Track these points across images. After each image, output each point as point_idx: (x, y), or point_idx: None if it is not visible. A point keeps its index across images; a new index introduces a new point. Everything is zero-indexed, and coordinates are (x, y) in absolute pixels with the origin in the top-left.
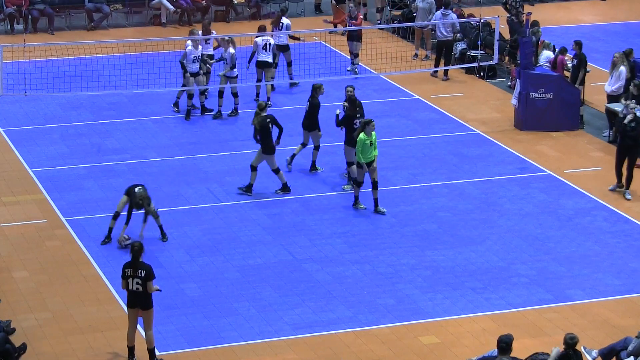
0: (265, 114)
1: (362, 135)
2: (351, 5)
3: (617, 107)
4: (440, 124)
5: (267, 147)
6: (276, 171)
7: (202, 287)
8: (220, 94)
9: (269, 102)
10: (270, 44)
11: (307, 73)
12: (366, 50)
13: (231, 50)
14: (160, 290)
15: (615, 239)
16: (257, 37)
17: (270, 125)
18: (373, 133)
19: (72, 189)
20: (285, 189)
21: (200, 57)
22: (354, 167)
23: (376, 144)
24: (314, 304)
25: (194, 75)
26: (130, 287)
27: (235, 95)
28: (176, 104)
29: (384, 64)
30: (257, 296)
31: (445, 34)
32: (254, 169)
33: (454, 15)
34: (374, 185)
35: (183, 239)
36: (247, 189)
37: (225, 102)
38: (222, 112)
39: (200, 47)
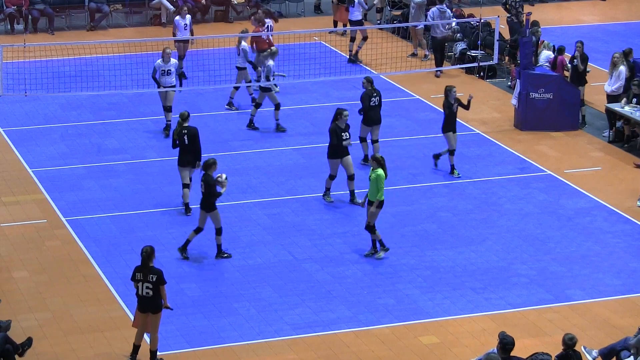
0: (185, 125)
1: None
2: (259, 12)
3: (617, 107)
4: (440, 124)
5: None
6: (185, 185)
7: (202, 287)
8: (257, 104)
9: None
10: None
11: (307, 73)
12: (366, 50)
13: (270, 62)
14: (171, 309)
15: (615, 239)
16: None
17: (185, 138)
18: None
19: (72, 189)
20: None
21: (172, 71)
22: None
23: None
24: (314, 304)
25: (168, 89)
26: (140, 292)
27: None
28: (230, 104)
29: (384, 64)
30: (257, 296)
31: (443, 30)
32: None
33: (449, 12)
34: (350, 178)
35: (183, 239)
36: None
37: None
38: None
39: (172, 60)
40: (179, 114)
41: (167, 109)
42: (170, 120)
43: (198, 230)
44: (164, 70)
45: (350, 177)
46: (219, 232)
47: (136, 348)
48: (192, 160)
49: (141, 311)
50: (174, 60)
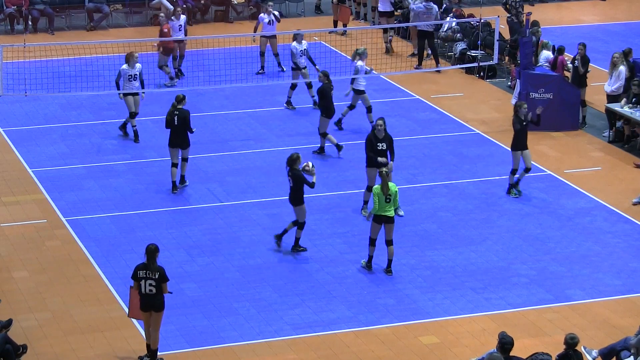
0: (180, 107)
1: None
2: (161, 15)
3: (617, 107)
4: (440, 124)
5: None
6: (173, 165)
7: (202, 287)
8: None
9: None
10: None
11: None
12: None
13: (359, 63)
14: (170, 292)
15: (615, 239)
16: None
17: (175, 119)
18: (392, 185)
19: (72, 189)
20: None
21: (137, 76)
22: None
23: (396, 198)
24: (314, 304)
25: (134, 94)
26: (142, 290)
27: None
28: (289, 102)
29: (384, 64)
30: (257, 296)
31: (426, 25)
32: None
33: (436, 8)
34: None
35: (183, 239)
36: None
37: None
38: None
39: (137, 65)
40: (175, 96)
41: (133, 116)
42: (136, 126)
43: (300, 226)
44: (130, 76)
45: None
46: (301, 226)
47: (149, 346)
48: (181, 142)
49: (144, 310)
50: (139, 65)
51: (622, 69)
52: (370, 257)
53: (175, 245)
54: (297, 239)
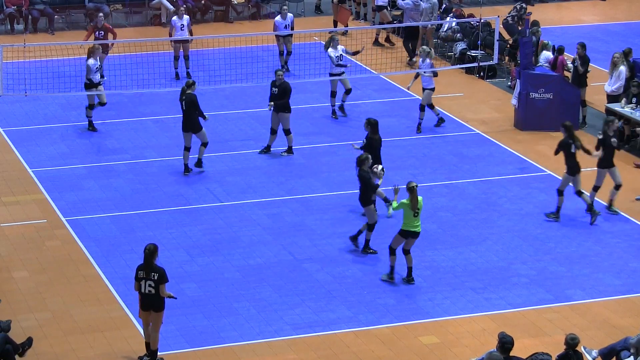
0: (189, 92)
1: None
2: (100, 15)
3: (617, 107)
4: (440, 124)
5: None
6: (186, 148)
7: (202, 287)
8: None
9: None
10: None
11: (307, 73)
12: (366, 50)
13: (428, 60)
14: (175, 298)
15: (615, 239)
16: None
17: (183, 103)
18: (420, 198)
19: (72, 189)
20: (196, 164)
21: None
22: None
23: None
24: (314, 304)
25: (97, 85)
26: (142, 290)
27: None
28: (342, 108)
29: (384, 64)
30: (257, 296)
31: (414, 20)
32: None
33: (424, 5)
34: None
35: (183, 239)
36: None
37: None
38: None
39: (101, 55)
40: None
41: (92, 107)
42: (91, 116)
43: (371, 228)
44: (97, 68)
45: (386, 200)
46: (370, 227)
47: (148, 345)
48: (192, 126)
49: (143, 309)
50: (103, 55)
51: (623, 69)
52: (392, 268)
53: (175, 245)
54: (367, 241)
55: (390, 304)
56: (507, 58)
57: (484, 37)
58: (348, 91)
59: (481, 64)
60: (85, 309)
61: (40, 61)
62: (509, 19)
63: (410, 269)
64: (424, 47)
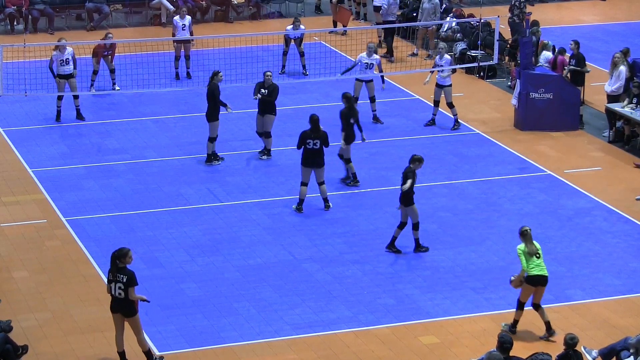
0: (213, 82)
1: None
2: (109, 34)
3: (617, 107)
4: (440, 124)
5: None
6: (212, 139)
7: (202, 287)
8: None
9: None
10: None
11: (307, 73)
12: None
13: (447, 56)
14: (147, 301)
15: (615, 239)
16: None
17: (206, 93)
18: (537, 244)
19: (72, 189)
20: (211, 158)
21: (70, 60)
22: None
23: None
24: (314, 304)
25: (67, 77)
26: (112, 292)
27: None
28: (375, 117)
29: (384, 64)
30: (257, 296)
31: (391, 17)
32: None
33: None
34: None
35: (183, 239)
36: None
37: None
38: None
39: (68, 48)
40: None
41: (60, 98)
42: (60, 107)
43: (402, 226)
44: (62, 60)
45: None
46: (415, 226)
47: (122, 354)
48: (209, 115)
49: (112, 312)
50: (69, 49)
51: (623, 69)
52: (516, 322)
53: (175, 245)
54: (416, 240)
55: (390, 304)
56: (507, 58)
57: (484, 37)
58: (372, 99)
59: (481, 64)
60: (85, 309)
61: (40, 61)
62: (515, 18)
63: (548, 323)
64: (442, 43)
